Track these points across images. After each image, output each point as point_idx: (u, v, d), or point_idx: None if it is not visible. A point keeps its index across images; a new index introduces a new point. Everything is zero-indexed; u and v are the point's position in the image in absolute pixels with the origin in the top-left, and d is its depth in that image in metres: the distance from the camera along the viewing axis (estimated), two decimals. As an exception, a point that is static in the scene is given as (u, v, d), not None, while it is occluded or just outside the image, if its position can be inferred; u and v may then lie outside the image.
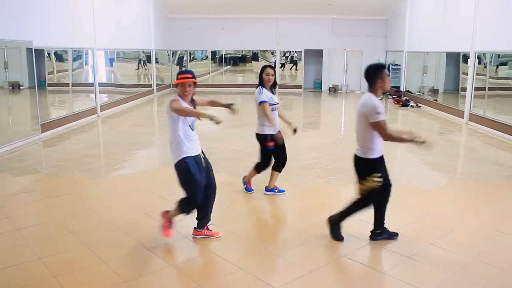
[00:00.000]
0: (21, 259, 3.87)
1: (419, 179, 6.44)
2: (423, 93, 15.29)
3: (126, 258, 3.95)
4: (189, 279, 3.57)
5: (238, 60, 20.49)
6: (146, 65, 16.72)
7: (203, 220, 4.28)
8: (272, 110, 5.27)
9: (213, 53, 20.28)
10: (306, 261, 3.92)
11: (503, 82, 10.50)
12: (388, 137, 3.89)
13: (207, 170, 4.14)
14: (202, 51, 20.40)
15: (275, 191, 5.65)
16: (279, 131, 5.39)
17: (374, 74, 4.00)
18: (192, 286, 3.48)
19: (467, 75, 11.28)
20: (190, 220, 4.55)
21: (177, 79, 4.02)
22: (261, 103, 5.19)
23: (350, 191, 5.94)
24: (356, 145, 4.11)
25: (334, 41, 19.24)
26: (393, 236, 4.31)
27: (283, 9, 18.41)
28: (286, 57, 20.14)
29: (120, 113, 13.00)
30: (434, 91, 14.68)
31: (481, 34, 10.64)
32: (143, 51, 16.42)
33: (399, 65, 16.87)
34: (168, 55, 19.78)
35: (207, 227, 4.36)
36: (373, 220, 4.30)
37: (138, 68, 16.23)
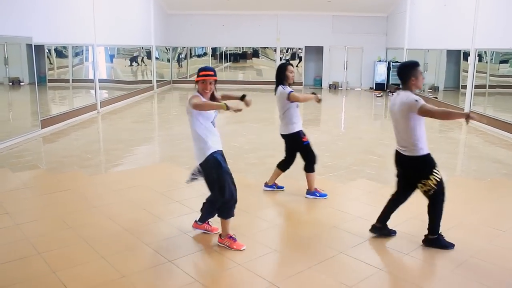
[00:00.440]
0: (20, 254, 3.89)
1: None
2: (423, 91, 15.27)
3: (125, 253, 3.97)
4: (188, 275, 3.59)
5: (239, 57, 20.47)
6: (139, 63, 16.57)
7: (210, 214, 4.26)
8: (297, 107, 5.31)
9: (213, 50, 20.27)
10: (304, 257, 3.94)
11: (504, 80, 10.50)
12: (440, 114, 3.82)
13: None
14: (202, 47, 20.39)
15: (274, 188, 5.68)
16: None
17: (407, 72, 3.94)
18: (190, 281, 3.50)
19: (467, 72, 11.28)
20: (190, 216, 4.57)
21: (198, 76, 3.91)
22: (290, 93, 5.17)
23: (350, 188, 6.00)
24: (400, 147, 4.04)
25: (335, 38, 19.23)
26: (391, 233, 4.33)
27: (284, 6, 18.40)
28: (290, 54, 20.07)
29: (120, 109, 13.01)
30: (435, 89, 14.67)
31: (481, 31, 10.63)
32: (142, 47, 16.42)
33: (400, 62, 16.86)
34: (168, 50, 19.74)
35: (208, 222, 4.37)
36: (380, 213, 4.31)
37: (132, 65, 16.15)
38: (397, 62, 17.13)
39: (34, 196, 5.58)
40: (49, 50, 10.67)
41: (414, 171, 4.02)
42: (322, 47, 19.46)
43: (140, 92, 15.77)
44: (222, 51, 20.27)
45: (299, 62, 20.11)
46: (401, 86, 4.03)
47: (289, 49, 19.95)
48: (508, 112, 10.06)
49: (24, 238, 4.21)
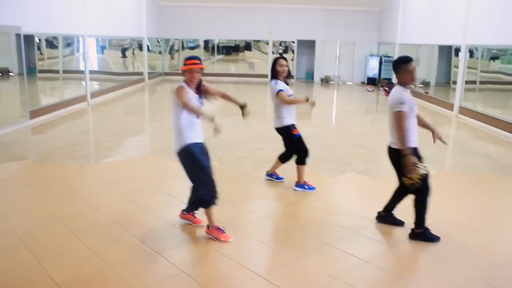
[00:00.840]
0: (5, 245, 3.86)
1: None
2: (415, 86, 15.34)
3: (112, 244, 3.95)
4: (174, 266, 3.59)
5: (231, 50, 20.36)
6: (126, 56, 16.42)
7: (194, 206, 4.27)
8: None
9: (206, 42, 20.16)
10: (291, 249, 3.95)
11: (494, 76, 10.56)
12: (402, 129, 3.87)
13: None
14: (194, 40, 20.27)
15: (273, 177, 5.72)
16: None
17: (400, 66, 4.02)
18: (177, 272, 3.50)
19: (458, 68, 11.33)
20: (179, 208, 4.56)
21: (185, 65, 3.93)
22: (279, 92, 5.15)
23: (339, 181, 6.02)
24: (390, 139, 4.10)
25: (327, 32, 19.19)
26: (397, 222, 4.39)
27: (277, -1, 18.33)
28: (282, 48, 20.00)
29: (110, 101, 12.91)
30: (426, 84, 14.74)
31: (473, 27, 10.67)
32: (133, 39, 16.29)
33: (392, 57, 16.88)
34: (159, 42, 19.61)
35: (193, 214, 4.37)
36: (388, 201, 4.37)
37: (125, 56, 16.02)
38: (389, 57, 17.15)
39: (21, 187, 5.53)
40: (40, 40, 10.55)
41: (399, 164, 4.06)
42: (314, 40, 19.44)
43: (131, 84, 15.67)
44: (215, 44, 20.18)
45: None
46: (393, 81, 4.06)
47: (282, 43, 19.89)
48: (498, 108, 10.14)
49: (10, 229, 4.17)
